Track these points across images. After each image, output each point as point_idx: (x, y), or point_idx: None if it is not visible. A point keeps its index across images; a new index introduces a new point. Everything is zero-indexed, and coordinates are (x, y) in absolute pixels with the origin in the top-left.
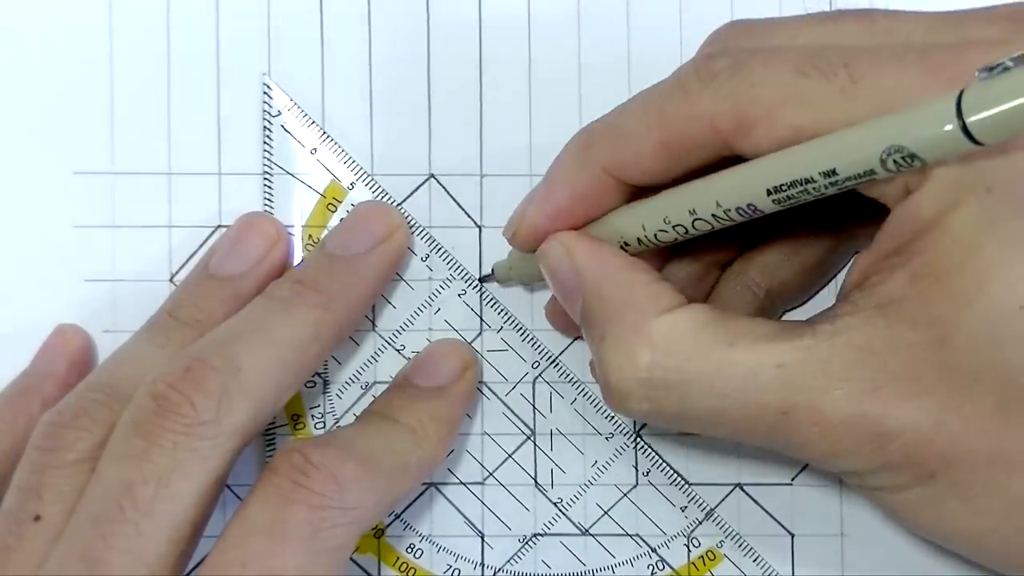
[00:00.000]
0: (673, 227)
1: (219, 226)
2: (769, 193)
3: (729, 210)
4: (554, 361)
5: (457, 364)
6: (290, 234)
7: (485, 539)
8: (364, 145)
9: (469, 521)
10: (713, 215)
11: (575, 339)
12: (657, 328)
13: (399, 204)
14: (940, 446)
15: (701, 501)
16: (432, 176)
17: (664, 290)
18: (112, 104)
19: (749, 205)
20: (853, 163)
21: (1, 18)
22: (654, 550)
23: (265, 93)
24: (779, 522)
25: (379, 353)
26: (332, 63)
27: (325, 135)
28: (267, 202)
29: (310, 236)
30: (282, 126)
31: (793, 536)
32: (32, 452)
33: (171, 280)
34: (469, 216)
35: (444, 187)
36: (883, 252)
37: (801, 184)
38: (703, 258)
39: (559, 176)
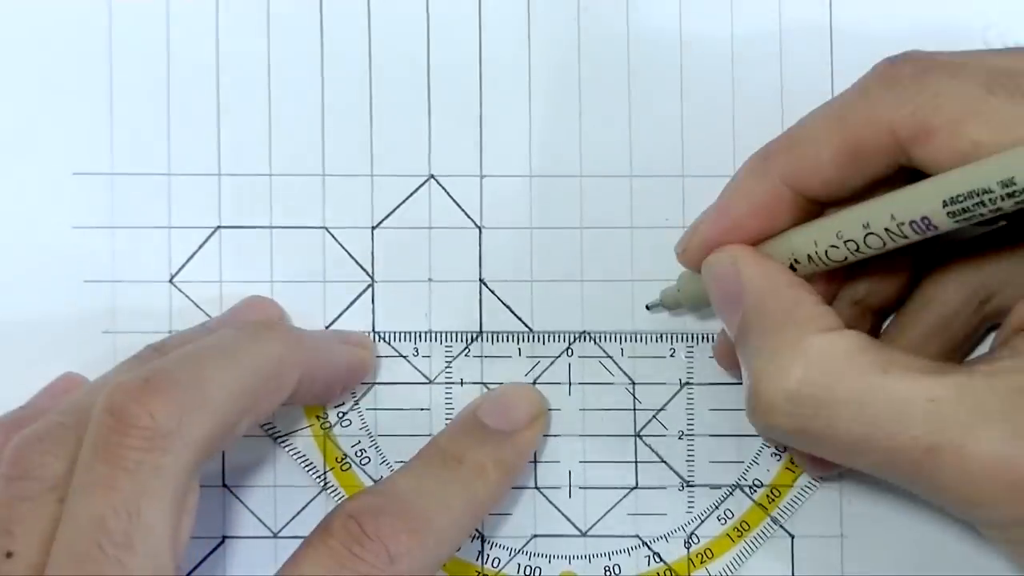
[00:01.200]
0: (845, 243)
1: (219, 227)
2: (945, 205)
3: (903, 224)
4: (554, 362)
5: (528, 411)
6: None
7: (486, 539)
8: (364, 145)
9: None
10: (887, 229)
11: (576, 338)
12: (813, 345)
13: (399, 205)
14: None
15: (701, 501)
16: (432, 177)
17: (825, 312)
18: (112, 104)
19: (924, 219)
20: None
21: (1, 18)
22: (655, 553)
23: None
24: (779, 523)
25: (378, 353)
26: (332, 63)
27: None
28: None
29: None
30: None
31: (793, 537)
32: (1, 481)
33: (171, 280)
34: (469, 217)
35: (444, 188)
36: None
37: (978, 195)
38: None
39: (736, 189)
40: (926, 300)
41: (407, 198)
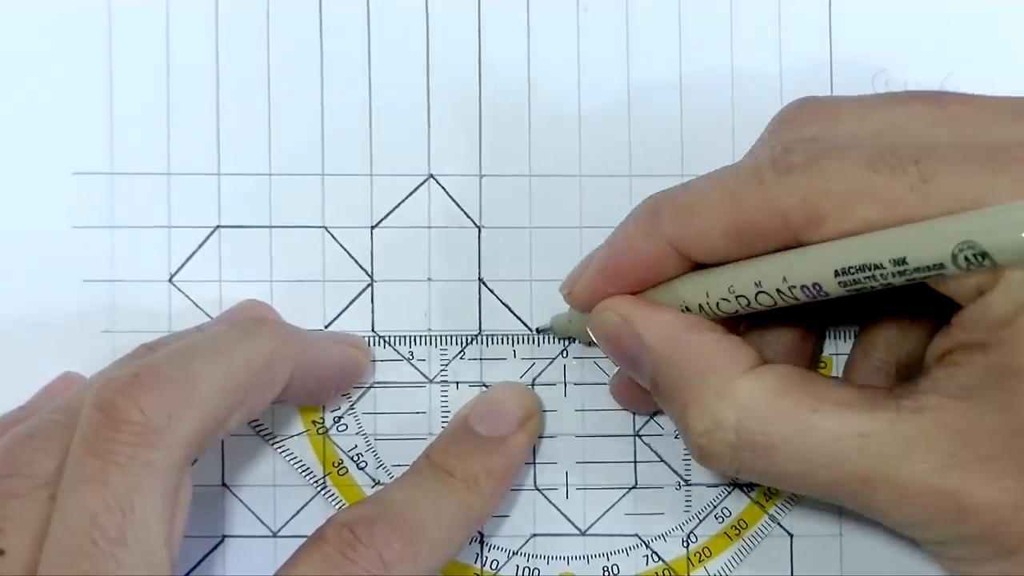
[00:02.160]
0: (736, 297)
1: (218, 226)
2: (837, 275)
3: (794, 287)
4: (552, 362)
5: (520, 412)
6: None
7: (485, 539)
8: (364, 145)
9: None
10: (778, 290)
11: (575, 339)
12: (741, 389)
13: (398, 204)
14: (1019, 527)
15: (699, 500)
16: (431, 176)
17: (738, 347)
18: (112, 104)
19: (815, 285)
20: (924, 254)
21: (1, 18)
22: (654, 552)
23: None
24: (778, 522)
25: (378, 353)
26: (331, 63)
27: None
28: None
29: None
30: None
31: (792, 536)
32: None
33: (170, 280)
34: (468, 216)
35: (443, 187)
36: (959, 341)
37: (870, 269)
38: (798, 327)
39: (623, 241)
40: (866, 346)
41: (406, 198)
